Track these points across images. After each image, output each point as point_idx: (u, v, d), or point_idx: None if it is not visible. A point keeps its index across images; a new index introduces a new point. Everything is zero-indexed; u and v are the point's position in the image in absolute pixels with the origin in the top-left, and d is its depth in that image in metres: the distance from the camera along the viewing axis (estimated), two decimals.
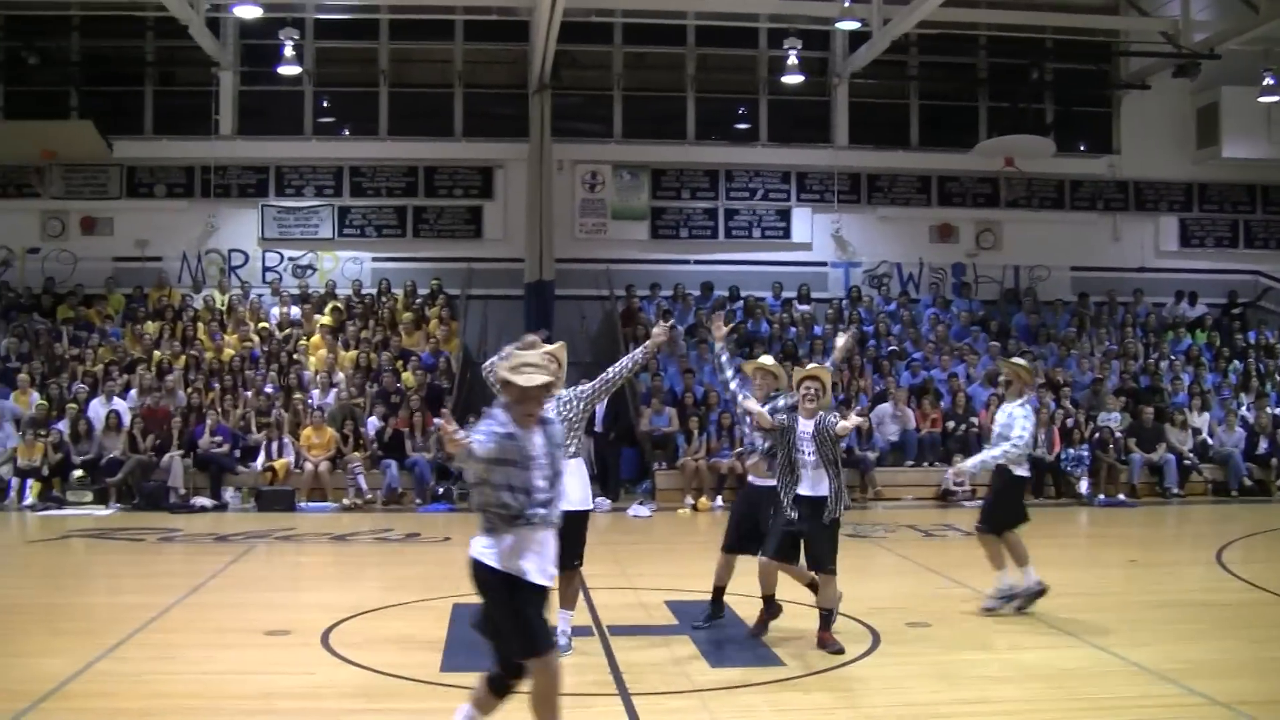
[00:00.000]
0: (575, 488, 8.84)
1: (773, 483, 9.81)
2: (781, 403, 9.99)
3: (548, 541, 6.42)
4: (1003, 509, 11.08)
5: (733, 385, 10.39)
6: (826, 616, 9.61)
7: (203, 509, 19.06)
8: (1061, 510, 20.35)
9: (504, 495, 6.25)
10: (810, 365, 10.49)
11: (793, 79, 25.03)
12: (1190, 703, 8.13)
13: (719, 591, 10.24)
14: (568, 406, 9.15)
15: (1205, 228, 27.93)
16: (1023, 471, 11.11)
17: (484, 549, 6.33)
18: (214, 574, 13.13)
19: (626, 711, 7.92)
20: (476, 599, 6.41)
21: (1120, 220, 27.57)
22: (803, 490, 9.61)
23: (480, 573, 6.34)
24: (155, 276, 25.02)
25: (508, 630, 6.31)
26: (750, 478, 10.31)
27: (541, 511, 6.31)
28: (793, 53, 24.48)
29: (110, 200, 25.39)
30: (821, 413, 9.65)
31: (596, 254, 25.84)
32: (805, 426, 9.63)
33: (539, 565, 6.36)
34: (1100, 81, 27.59)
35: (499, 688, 6.48)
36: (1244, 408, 23.06)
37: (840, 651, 9.33)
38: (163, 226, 25.35)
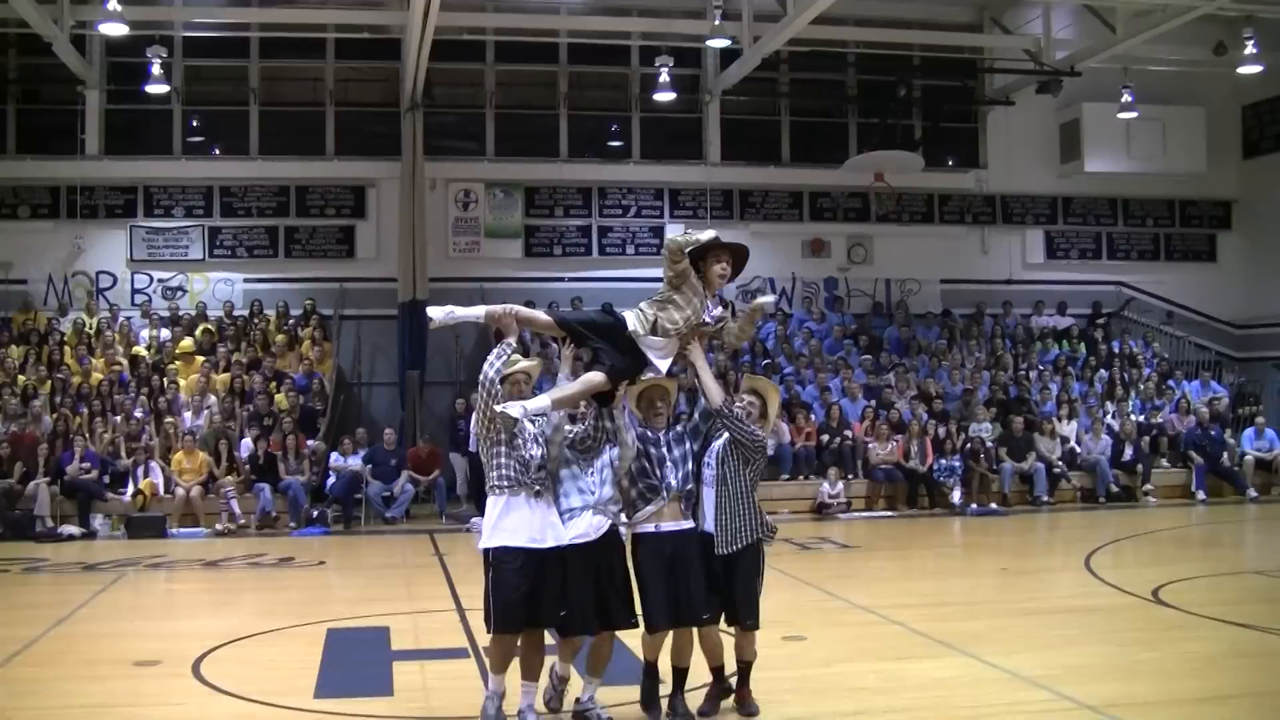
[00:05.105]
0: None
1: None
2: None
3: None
4: None
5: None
6: (743, 671, 8.24)
7: (71, 537, 18.65)
8: (935, 520, 20.71)
9: None
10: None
11: (665, 96, 25.10)
12: (1061, 708, 8.29)
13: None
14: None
15: (1070, 240, 28.52)
16: None
17: None
18: (82, 604, 12.87)
19: None
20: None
21: (988, 233, 28.05)
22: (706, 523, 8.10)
23: None
24: (20, 299, 24.38)
25: None
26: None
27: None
28: (664, 70, 24.58)
29: None
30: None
31: (470, 273, 25.60)
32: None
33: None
34: (967, 98, 28.05)
35: None
36: (1109, 416, 23.56)
37: (754, 715, 8.09)
38: (27, 248, 24.67)
